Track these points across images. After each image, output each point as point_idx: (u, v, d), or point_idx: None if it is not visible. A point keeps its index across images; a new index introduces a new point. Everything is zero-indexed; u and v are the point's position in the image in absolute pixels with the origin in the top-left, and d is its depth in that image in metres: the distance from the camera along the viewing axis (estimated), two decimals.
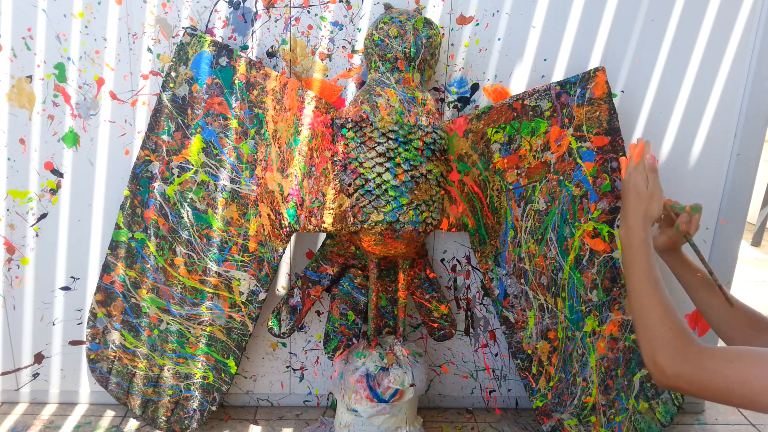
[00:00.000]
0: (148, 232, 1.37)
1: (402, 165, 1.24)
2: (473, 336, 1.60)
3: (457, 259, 1.54)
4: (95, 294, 1.42)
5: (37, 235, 1.46)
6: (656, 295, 0.93)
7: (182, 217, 1.36)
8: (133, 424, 1.52)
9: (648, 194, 1.04)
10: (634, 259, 0.99)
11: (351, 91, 1.40)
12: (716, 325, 1.07)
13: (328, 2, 1.33)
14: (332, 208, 1.31)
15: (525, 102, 1.35)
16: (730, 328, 1.04)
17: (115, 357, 1.45)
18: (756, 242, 3.69)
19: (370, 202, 1.25)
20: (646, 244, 1.00)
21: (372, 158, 1.24)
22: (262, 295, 1.39)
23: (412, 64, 1.26)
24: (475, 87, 1.41)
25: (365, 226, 1.26)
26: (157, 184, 1.35)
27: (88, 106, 1.38)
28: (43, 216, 1.45)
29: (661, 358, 0.85)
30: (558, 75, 1.41)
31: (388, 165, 1.24)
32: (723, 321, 1.05)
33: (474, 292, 1.56)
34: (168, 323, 1.42)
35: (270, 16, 1.34)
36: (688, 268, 1.11)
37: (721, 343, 1.56)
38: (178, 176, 1.35)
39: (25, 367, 1.56)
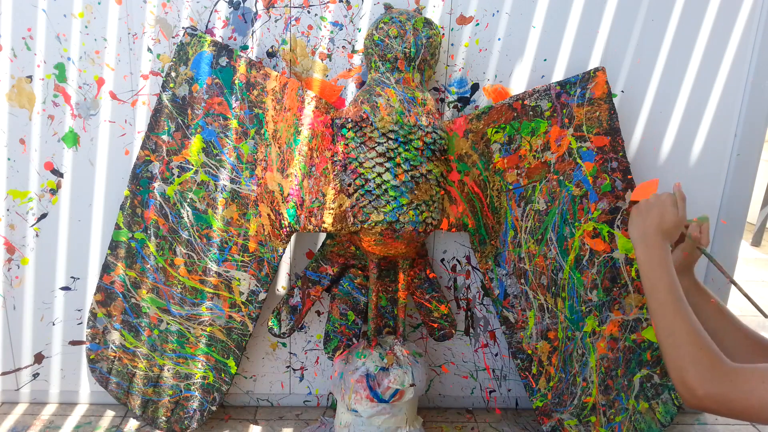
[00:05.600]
0: (148, 232, 1.37)
1: (402, 165, 1.24)
2: (473, 336, 1.60)
3: (457, 259, 1.54)
4: (95, 294, 1.42)
5: (37, 235, 1.46)
6: (681, 314, 0.92)
7: (182, 217, 1.36)
8: (133, 424, 1.52)
9: (677, 220, 1.03)
10: (658, 278, 0.97)
11: (351, 91, 1.40)
12: (728, 352, 1.06)
13: (328, 2, 1.33)
14: (332, 208, 1.31)
15: (525, 102, 1.35)
16: (742, 356, 1.03)
17: (115, 357, 1.45)
18: (756, 242, 3.69)
19: (370, 202, 1.25)
20: (668, 263, 0.99)
21: (372, 158, 1.24)
22: (262, 295, 1.39)
23: (412, 64, 1.26)
24: (475, 87, 1.41)
25: (365, 226, 1.26)
26: (157, 184, 1.35)
27: (88, 106, 1.38)
28: (43, 216, 1.45)
29: (691, 379, 0.84)
30: (558, 75, 1.41)
31: (388, 165, 1.24)
32: (735, 348, 1.05)
33: (474, 292, 1.56)
34: (168, 323, 1.42)
35: (270, 16, 1.34)
36: (702, 293, 1.10)
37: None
38: (178, 176, 1.35)
39: (25, 367, 1.56)
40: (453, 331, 1.49)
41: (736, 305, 2.42)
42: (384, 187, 1.24)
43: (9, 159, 1.40)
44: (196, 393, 1.46)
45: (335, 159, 1.30)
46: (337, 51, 1.37)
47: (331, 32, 1.35)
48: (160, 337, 1.43)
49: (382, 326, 1.51)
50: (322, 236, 1.48)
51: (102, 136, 1.40)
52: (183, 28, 1.32)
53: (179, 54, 1.29)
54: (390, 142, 1.23)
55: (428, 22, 1.26)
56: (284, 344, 1.59)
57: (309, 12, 1.33)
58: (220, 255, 1.38)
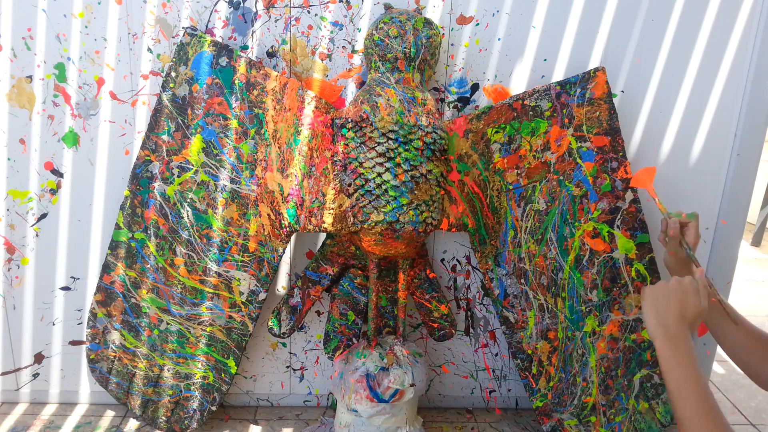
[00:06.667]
0: (148, 232, 1.37)
1: (402, 165, 1.24)
2: (473, 336, 1.60)
3: (457, 259, 1.54)
4: (95, 294, 1.42)
5: (37, 235, 1.46)
6: (717, 421, 0.83)
7: (182, 217, 1.36)
8: (133, 424, 1.52)
9: (701, 310, 0.95)
10: (685, 380, 0.87)
11: (351, 91, 1.40)
12: (729, 349, 1.06)
13: (328, 2, 1.33)
14: (332, 208, 1.31)
15: (525, 102, 1.35)
16: (744, 353, 1.03)
17: (115, 357, 1.45)
18: (756, 242, 3.70)
19: (370, 202, 1.25)
20: (694, 361, 0.90)
21: (372, 158, 1.24)
22: (262, 295, 1.39)
23: (412, 64, 1.26)
24: (475, 87, 1.41)
25: (365, 226, 1.26)
26: (157, 184, 1.35)
27: (88, 106, 1.38)
28: (43, 216, 1.45)
29: None
30: (558, 75, 1.41)
31: (388, 165, 1.24)
32: (736, 345, 1.04)
33: (474, 292, 1.56)
34: (168, 323, 1.42)
35: (270, 16, 1.34)
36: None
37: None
38: (178, 176, 1.35)
39: (25, 367, 1.56)
40: (453, 331, 1.49)
41: (742, 307, 2.41)
42: (384, 187, 1.24)
43: (9, 159, 1.40)
44: (196, 393, 1.46)
45: (335, 159, 1.30)
46: (337, 51, 1.37)
47: (331, 32, 1.35)
48: (160, 337, 1.43)
49: (382, 326, 1.51)
50: (322, 236, 1.48)
51: (102, 136, 1.40)
52: (183, 28, 1.32)
53: (179, 54, 1.29)
54: (390, 142, 1.23)
55: (428, 22, 1.26)
56: (284, 344, 1.59)
57: (309, 12, 1.33)
58: (220, 255, 1.38)
